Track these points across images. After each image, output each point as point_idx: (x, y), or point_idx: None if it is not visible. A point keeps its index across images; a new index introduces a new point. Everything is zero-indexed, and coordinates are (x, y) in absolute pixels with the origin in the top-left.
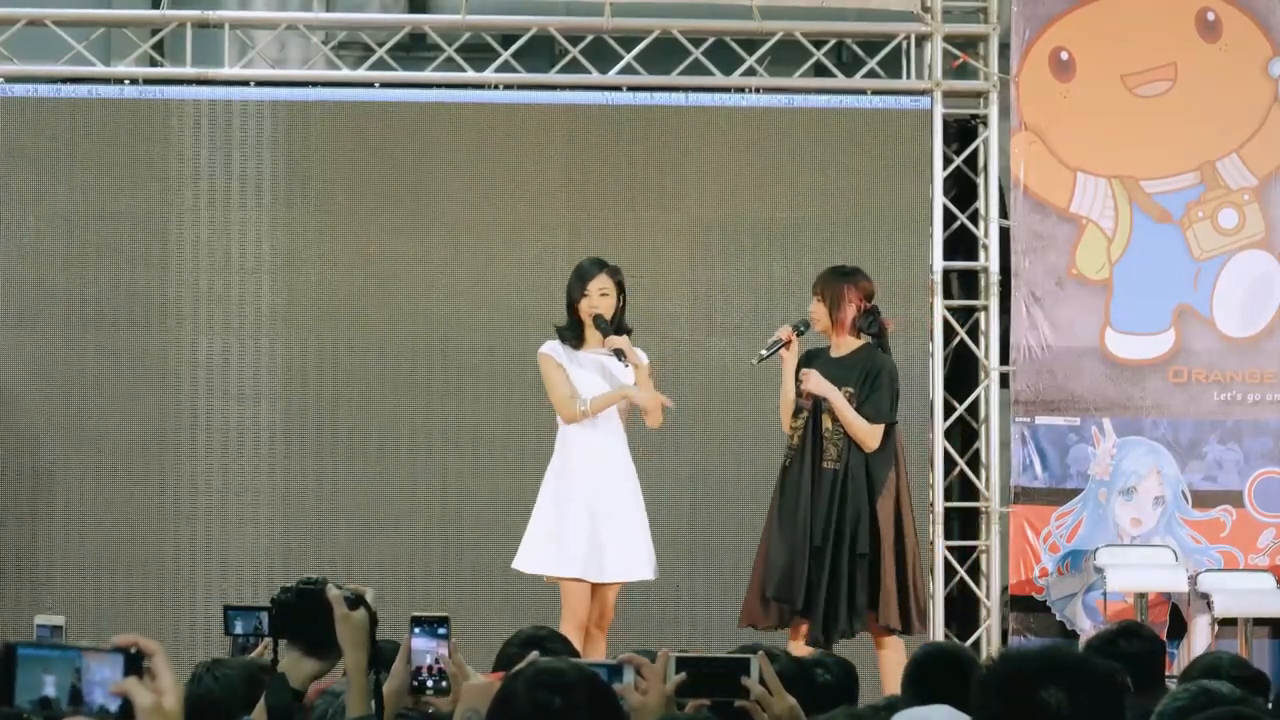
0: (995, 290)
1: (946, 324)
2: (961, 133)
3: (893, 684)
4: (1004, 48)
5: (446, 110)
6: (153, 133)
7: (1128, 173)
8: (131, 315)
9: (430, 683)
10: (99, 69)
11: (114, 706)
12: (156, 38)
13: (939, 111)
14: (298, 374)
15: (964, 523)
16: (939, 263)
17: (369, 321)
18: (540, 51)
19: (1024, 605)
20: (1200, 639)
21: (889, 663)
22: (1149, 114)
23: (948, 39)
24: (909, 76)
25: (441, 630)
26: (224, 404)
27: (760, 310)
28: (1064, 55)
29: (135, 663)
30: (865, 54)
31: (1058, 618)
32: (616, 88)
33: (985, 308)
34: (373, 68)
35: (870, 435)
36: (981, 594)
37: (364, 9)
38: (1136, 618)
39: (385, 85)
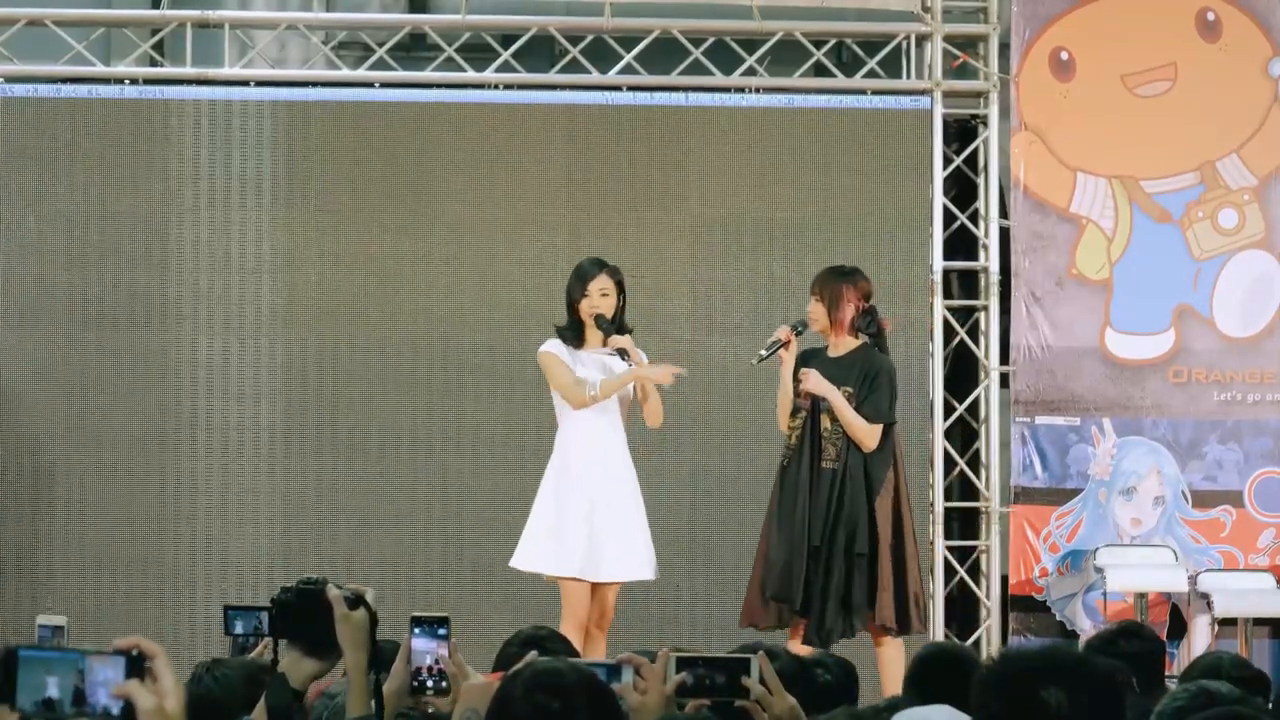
0: (995, 290)
1: (946, 324)
2: (961, 133)
3: (891, 683)
4: (1004, 48)
5: (446, 110)
6: (153, 133)
7: (1128, 173)
8: (132, 315)
9: (430, 683)
10: (99, 69)
11: (116, 709)
12: (156, 38)
13: (939, 111)
14: (298, 374)
15: (964, 523)
16: (939, 263)
17: (369, 321)
18: (540, 51)
19: (1024, 605)
20: (1200, 639)
21: (888, 662)
22: (1149, 114)
23: (948, 39)
24: (909, 76)
25: (441, 630)
26: (224, 404)
27: (760, 310)
28: (1064, 55)
29: (137, 665)
30: (865, 54)
31: (1058, 618)
32: (616, 88)
33: (985, 308)
34: (373, 68)
35: (869, 435)
36: (981, 594)
37: (364, 9)
38: (1136, 618)
39: (385, 85)
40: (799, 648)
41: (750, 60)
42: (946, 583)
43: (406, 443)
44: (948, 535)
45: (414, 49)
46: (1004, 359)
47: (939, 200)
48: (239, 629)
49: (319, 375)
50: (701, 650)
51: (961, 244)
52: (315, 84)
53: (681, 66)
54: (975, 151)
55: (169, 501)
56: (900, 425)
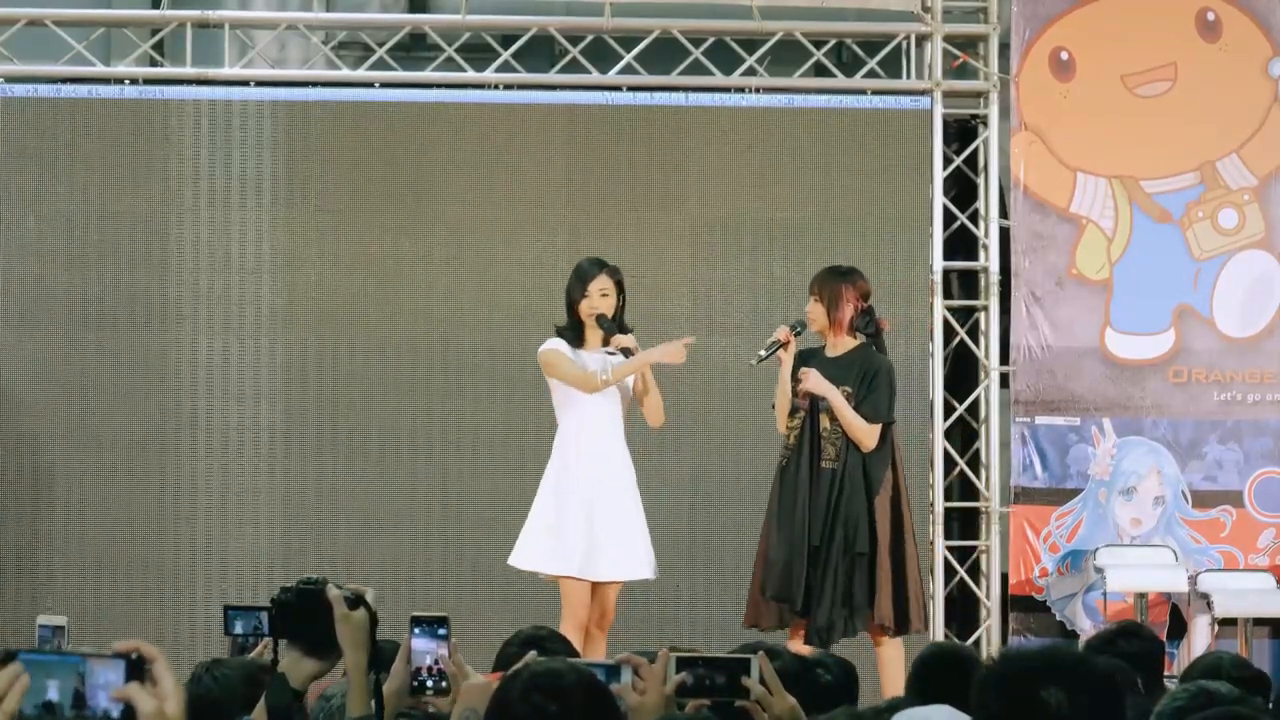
0: (995, 290)
1: (946, 324)
2: (961, 133)
3: (891, 684)
4: (1004, 48)
5: (446, 110)
6: (153, 133)
7: (1128, 173)
8: (131, 315)
9: (430, 683)
10: (99, 69)
11: (116, 712)
12: (156, 38)
13: (939, 111)
14: (298, 374)
15: (964, 523)
16: (939, 263)
17: (369, 321)
18: (540, 51)
19: (1024, 605)
20: (1200, 639)
21: (887, 662)
22: (1149, 114)
23: (948, 39)
24: (909, 76)
25: (441, 630)
26: (224, 404)
27: (760, 310)
28: (1064, 55)
29: (137, 668)
30: (865, 54)
31: (1058, 618)
32: (616, 88)
33: (985, 308)
34: (373, 68)
35: (868, 435)
36: (981, 594)
37: (364, 9)
38: (1136, 618)
39: (385, 85)
40: (799, 648)
41: (750, 60)
42: (946, 583)
43: (406, 443)
44: (948, 535)
45: (414, 49)
46: (1004, 359)
47: (939, 200)
48: (239, 629)
49: (319, 375)
50: (701, 650)
51: (961, 244)
52: (315, 84)
53: (681, 66)
54: (975, 151)
55: (169, 502)
56: (900, 425)
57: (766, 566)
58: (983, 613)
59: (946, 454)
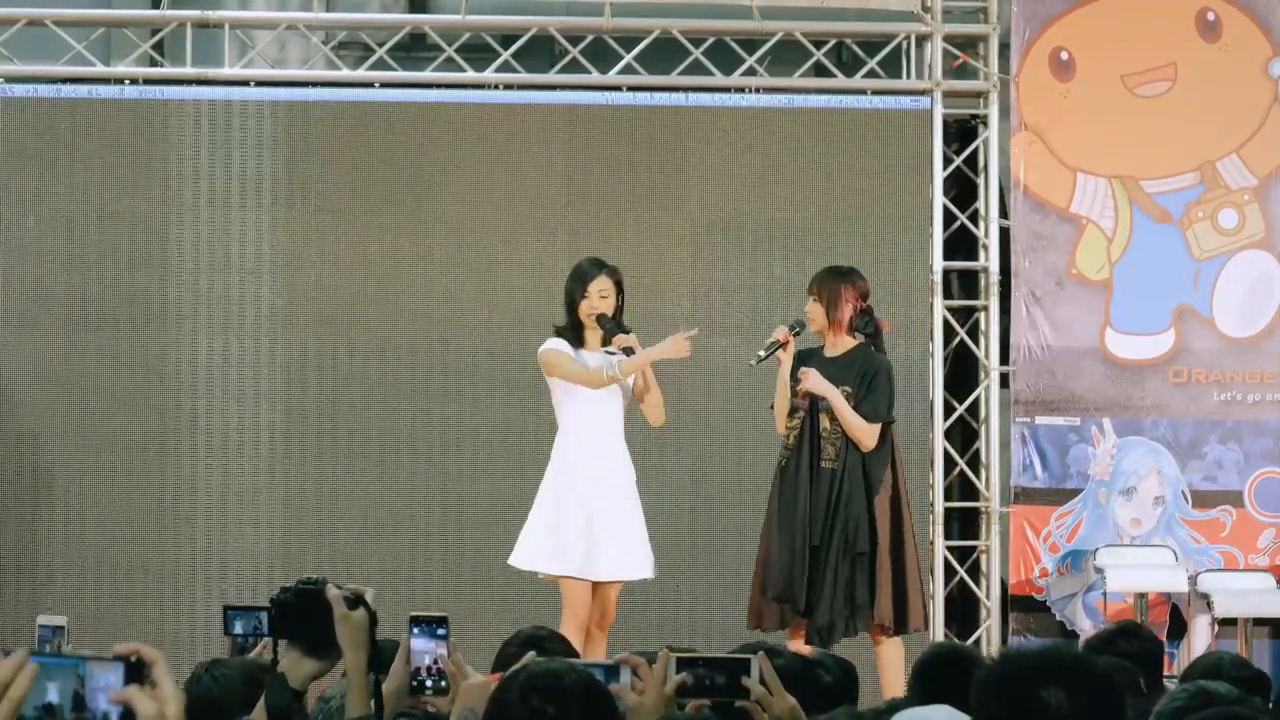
0: (995, 290)
1: (946, 324)
2: (961, 133)
3: (890, 684)
4: (1004, 48)
5: (446, 110)
6: (153, 133)
7: (1128, 173)
8: (131, 316)
9: (429, 683)
10: (99, 69)
11: (116, 715)
12: (156, 38)
13: (939, 111)
14: (298, 375)
15: (964, 523)
16: (939, 263)
17: (369, 322)
18: (540, 51)
19: (1024, 605)
20: (1200, 639)
21: (887, 662)
22: (1149, 114)
23: (948, 39)
24: (909, 76)
25: (440, 630)
26: (224, 404)
27: (760, 310)
28: (1064, 55)
29: (136, 671)
30: (865, 54)
31: (1058, 618)
32: (616, 88)
33: (985, 308)
34: (373, 68)
35: (868, 434)
36: (981, 594)
37: (364, 9)
38: (1136, 618)
39: (385, 85)
40: (800, 648)
41: (750, 60)
42: (946, 583)
43: (406, 443)
44: (948, 535)
45: (414, 49)
46: (1004, 359)
47: (939, 200)
48: (239, 629)
49: (318, 376)
50: (701, 650)
51: (961, 244)
52: (315, 84)
53: (681, 66)
54: (975, 151)
55: (169, 502)
56: (900, 425)
57: (767, 567)
58: (983, 613)
59: (946, 454)
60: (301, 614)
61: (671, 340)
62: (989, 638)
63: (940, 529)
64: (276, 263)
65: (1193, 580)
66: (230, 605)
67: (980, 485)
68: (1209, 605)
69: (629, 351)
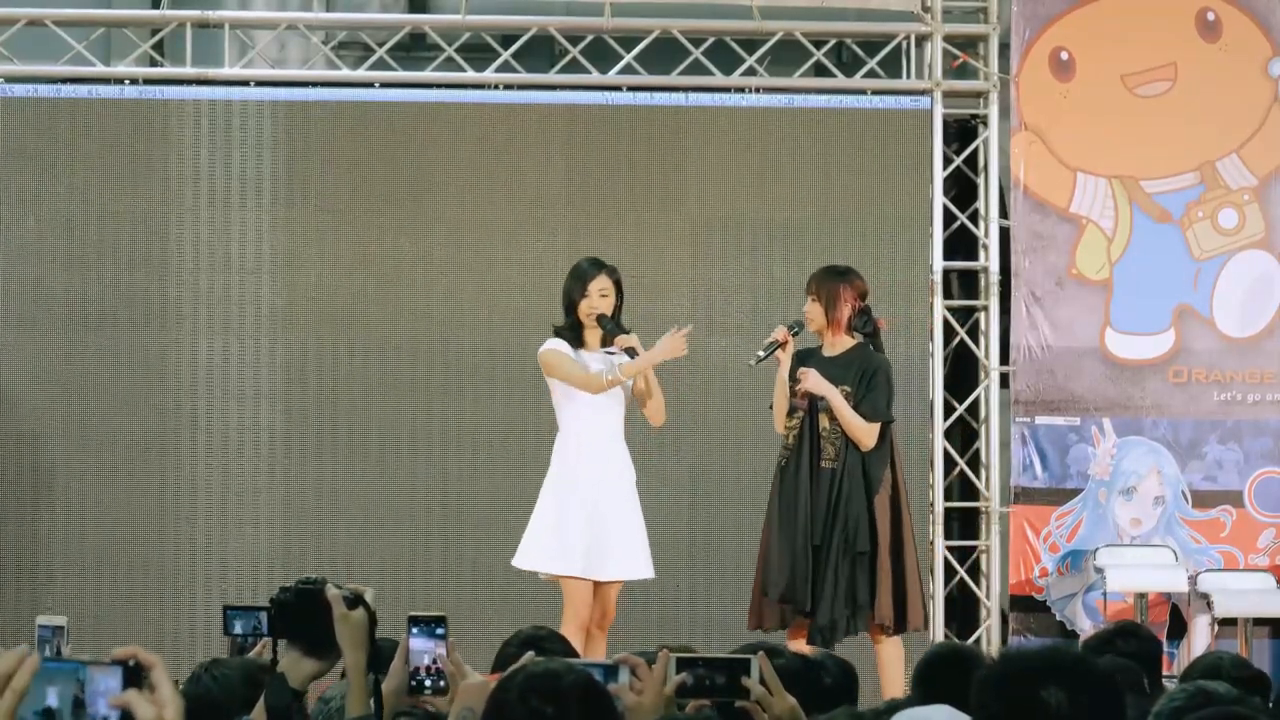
0: (995, 290)
1: (946, 324)
2: (961, 133)
3: (890, 683)
4: (1004, 48)
5: (446, 110)
6: (153, 133)
7: (1128, 173)
8: (131, 316)
9: (428, 682)
10: (99, 69)
11: (115, 718)
12: (156, 38)
13: (939, 111)
14: (298, 374)
15: (964, 523)
16: (939, 263)
17: (369, 322)
18: (540, 51)
19: (1024, 605)
20: (1200, 639)
21: (887, 662)
22: (1149, 114)
23: (948, 39)
24: (909, 76)
25: (439, 630)
26: (224, 404)
27: (760, 310)
28: (1064, 55)
29: (135, 675)
30: (865, 54)
31: (1058, 618)
32: (616, 88)
33: (985, 308)
34: (373, 68)
35: (868, 434)
36: (981, 594)
37: (364, 9)
38: (1136, 618)
39: (385, 85)
40: (800, 648)
41: (750, 60)
42: (946, 583)
43: (406, 443)
44: (948, 535)
45: (414, 49)
46: (1004, 359)
47: (939, 200)
48: (238, 629)
49: (319, 376)
50: (701, 650)
51: (961, 244)
52: (315, 84)
53: (681, 66)
54: (975, 151)
55: (169, 502)
56: (900, 425)
57: (768, 568)
58: (983, 613)
59: (946, 454)
60: (301, 614)
61: (668, 340)
62: (989, 638)
63: (940, 529)
64: (276, 263)
65: (1193, 580)
66: (230, 605)
67: (980, 485)
68: (1209, 605)
69: (632, 352)
